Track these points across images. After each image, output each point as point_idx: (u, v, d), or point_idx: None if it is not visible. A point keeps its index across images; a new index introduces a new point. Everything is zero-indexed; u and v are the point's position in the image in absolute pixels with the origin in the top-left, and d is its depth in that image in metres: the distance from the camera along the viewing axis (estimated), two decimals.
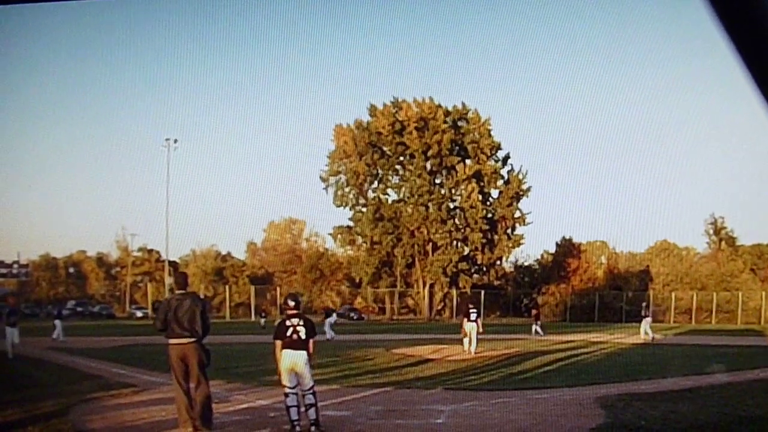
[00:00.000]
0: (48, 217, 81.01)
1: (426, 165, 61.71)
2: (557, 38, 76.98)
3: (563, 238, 67.87)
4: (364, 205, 63.98)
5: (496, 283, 64.22)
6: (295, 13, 63.00)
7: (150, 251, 71.92)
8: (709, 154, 75.92)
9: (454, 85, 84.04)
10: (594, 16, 72.45)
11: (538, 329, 33.26)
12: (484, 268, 63.99)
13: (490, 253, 62.80)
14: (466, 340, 21.28)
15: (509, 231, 63.82)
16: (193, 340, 8.84)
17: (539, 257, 70.58)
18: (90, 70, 79.13)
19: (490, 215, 62.65)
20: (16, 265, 58.56)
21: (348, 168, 63.28)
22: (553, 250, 68.94)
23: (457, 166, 61.12)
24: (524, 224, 63.92)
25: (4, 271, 58.36)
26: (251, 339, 27.42)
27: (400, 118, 61.78)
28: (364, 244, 64.17)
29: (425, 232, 61.35)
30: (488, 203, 63.39)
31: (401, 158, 62.85)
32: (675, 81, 70.91)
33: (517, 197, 62.97)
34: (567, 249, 67.09)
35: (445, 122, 61.65)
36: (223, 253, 72.87)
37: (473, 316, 21.68)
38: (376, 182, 64.33)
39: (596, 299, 60.21)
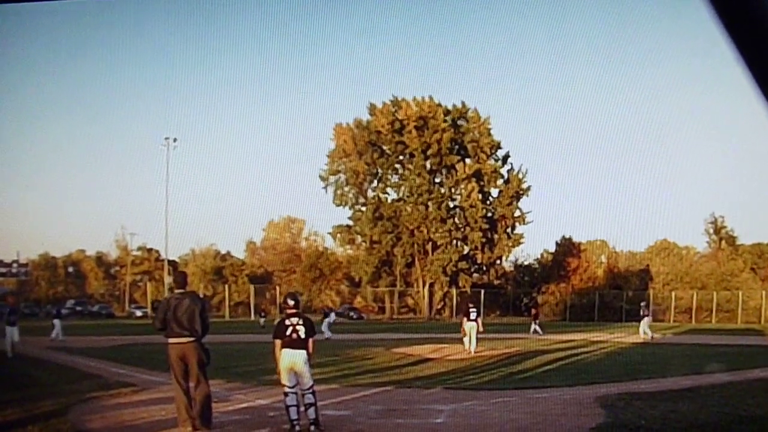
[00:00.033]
0: (47, 216, 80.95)
1: (426, 164, 61.68)
2: (557, 37, 76.89)
3: (563, 237, 67.87)
4: (364, 204, 63.96)
5: (496, 282, 64.19)
6: (295, 12, 62.97)
7: (149, 250, 71.87)
8: (709, 153, 75.80)
9: (454, 84, 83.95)
10: (594, 15, 72.42)
11: (537, 328, 33.24)
12: (484, 268, 63.96)
13: (489, 253, 62.78)
14: (466, 339, 21.26)
15: (509, 230, 63.80)
16: (192, 339, 8.82)
17: (539, 256, 70.57)
18: (89, 69, 79.04)
19: (489, 214, 62.62)
20: (15, 264, 58.46)
21: (347, 167, 63.25)
22: (553, 249, 68.92)
23: (456, 165, 61.09)
24: (524, 223, 63.93)
25: (3, 270, 58.28)
26: (251, 338, 27.38)
27: (400, 117, 61.74)
28: (364, 244, 64.13)
29: (425, 231, 61.32)
30: (488, 202, 63.37)
31: (401, 157, 62.82)
32: (675, 80, 70.87)
33: (517, 196, 62.93)
34: (567, 248, 67.06)
35: (444, 121, 61.59)
36: (223, 252, 72.85)
37: (473, 316, 21.66)
38: (375, 181, 64.32)
39: (596, 298, 60.19)
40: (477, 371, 16.64)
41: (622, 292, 59.38)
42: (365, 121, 63.36)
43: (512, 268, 69.32)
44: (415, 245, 62.13)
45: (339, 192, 63.96)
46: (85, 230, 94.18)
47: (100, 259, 74.22)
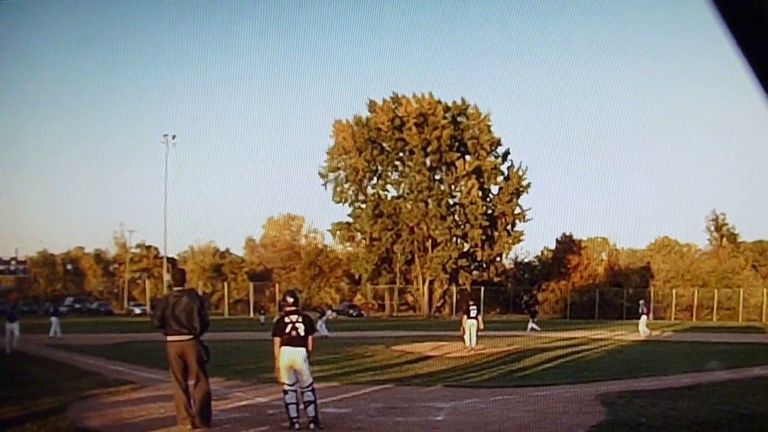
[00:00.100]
0: (46, 213, 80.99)
1: (425, 161, 61.66)
2: (558, 34, 76.95)
3: (563, 234, 67.88)
4: (364, 202, 63.94)
5: (496, 279, 64.22)
6: (294, 9, 62.99)
7: (148, 248, 71.86)
8: (711, 150, 75.88)
9: (454, 81, 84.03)
10: (594, 12, 72.41)
11: (534, 326, 33.26)
12: (484, 265, 63.97)
13: (489, 250, 62.81)
14: (466, 337, 21.23)
15: (509, 227, 63.83)
16: (190, 337, 8.78)
17: (539, 254, 70.62)
18: (87, 67, 79.14)
19: (490, 211, 62.63)
20: (13, 262, 58.42)
21: (347, 164, 63.22)
22: (553, 246, 68.95)
23: (456, 162, 61.07)
24: (524, 220, 63.99)
25: (1, 267, 58.23)
26: (250, 336, 27.36)
27: (400, 114, 61.71)
28: (364, 241, 64.15)
29: (425, 228, 61.31)
30: (488, 199, 63.36)
31: (401, 154, 62.83)
32: (676, 77, 70.96)
33: (517, 193, 62.95)
34: (567, 245, 67.05)
35: (444, 118, 61.56)
36: (222, 249, 72.87)
37: (473, 313, 21.63)
38: (375, 178, 64.31)
39: (596, 296, 60.21)
40: (477, 369, 16.62)
41: (623, 289, 59.39)
42: (365, 118, 63.36)
43: (512, 266, 69.35)
44: (415, 242, 62.14)
45: (339, 189, 63.96)
46: (84, 227, 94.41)
47: (98, 257, 74.22)
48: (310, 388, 8.84)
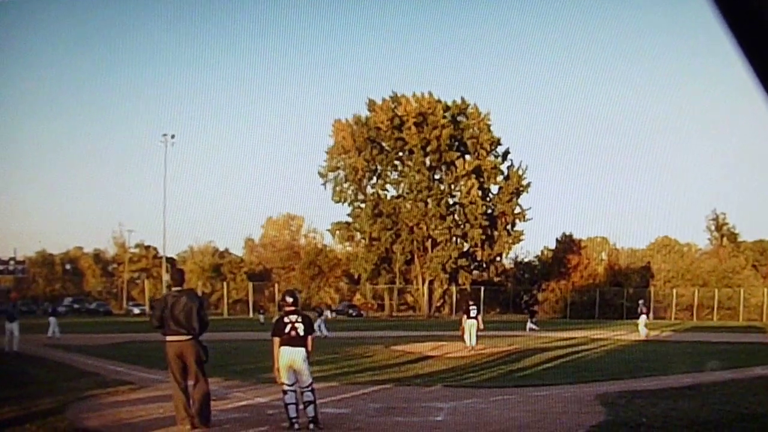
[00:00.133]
0: (44, 213, 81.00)
1: (425, 160, 61.63)
2: (558, 33, 77.00)
3: (563, 234, 67.90)
4: (363, 201, 63.90)
5: (495, 279, 64.22)
6: (293, 9, 62.93)
7: (147, 248, 71.79)
8: (711, 149, 76.03)
9: (454, 80, 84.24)
10: (595, 11, 72.42)
11: (533, 326, 33.24)
12: (484, 265, 63.95)
13: (489, 250, 62.78)
14: (466, 336, 21.19)
15: (509, 227, 63.80)
16: (189, 337, 8.75)
17: (539, 253, 70.66)
18: (86, 66, 79.16)
19: (489, 211, 62.60)
20: (12, 262, 58.30)
21: (346, 163, 63.19)
22: (553, 246, 68.97)
23: (456, 162, 61.04)
24: (524, 220, 63.97)
25: (0, 267, 58.13)
26: (249, 336, 27.35)
27: (399, 113, 61.66)
28: (363, 240, 64.11)
29: (424, 228, 61.28)
30: (488, 199, 63.33)
31: (400, 154, 62.79)
32: (676, 76, 70.98)
33: (517, 193, 62.92)
34: (567, 245, 67.07)
35: (444, 117, 61.53)
36: (221, 249, 72.80)
37: (473, 313, 21.59)
38: (374, 178, 64.27)
39: (597, 296, 60.21)
40: (477, 369, 16.59)
41: (623, 289, 59.37)
42: (364, 117, 63.33)
43: (512, 266, 69.36)
44: (415, 242, 62.10)
45: (338, 189, 63.93)
46: (83, 227, 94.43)
47: (97, 257, 74.14)
48: (309, 388, 8.81)
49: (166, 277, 53.87)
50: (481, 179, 62.07)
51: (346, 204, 64.42)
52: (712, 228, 68.12)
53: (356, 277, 66.00)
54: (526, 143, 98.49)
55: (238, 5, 75.06)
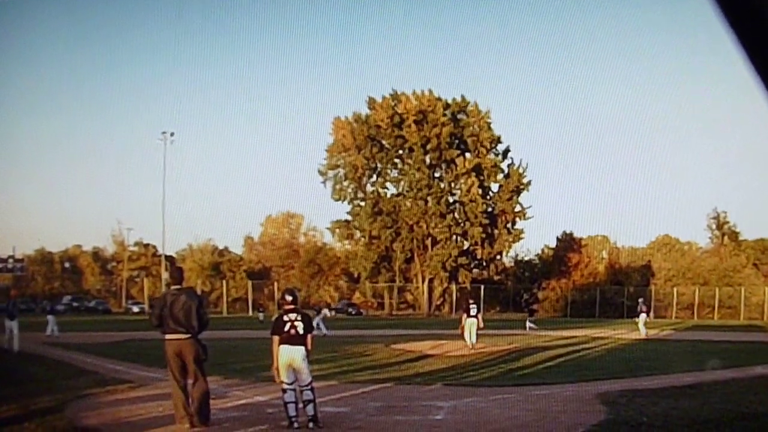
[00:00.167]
0: (43, 210, 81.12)
1: (425, 158, 61.58)
2: (558, 31, 76.94)
3: (564, 232, 67.92)
4: (363, 199, 63.87)
5: (496, 278, 64.21)
6: (293, 5, 62.88)
7: (146, 246, 71.81)
8: (712, 147, 76.13)
9: (454, 78, 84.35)
10: (595, 9, 72.36)
11: (532, 325, 33.23)
12: (484, 263, 63.93)
13: (490, 248, 62.75)
14: (467, 335, 21.15)
15: (509, 225, 63.76)
16: (188, 336, 8.73)
17: (540, 252, 70.71)
18: (86, 64, 79.20)
19: (490, 209, 62.57)
20: (11, 260, 58.21)
21: (346, 161, 63.15)
22: (553, 244, 68.98)
23: (456, 160, 61.00)
24: (524, 218, 63.94)
25: None
26: (249, 334, 27.32)
27: (399, 111, 61.61)
28: (363, 239, 64.08)
29: (424, 226, 61.24)
30: (488, 197, 63.30)
31: (400, 152, 62.73)
32: (677, 75, 71.03)
33: (518, 191, 62.87)
34: (568, 243, 67.06)
35: (444, 115, 61.49)
36: (220, 247, 72.81)
37: (473, 312, 21.53)
38: (374, 176, 64.24)
39: (597, 294, 60.20)
40: (477, 368, 16.56)
41: (624, 288, 59.38)
42: (364, 115, 63.31)
43: (512, 264, 69.37)
44: (415, 240, 62.06)
45: (338, 187, 63.89)
46: (82, 225, 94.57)
47: (96, 255, 74.13)
48: (309, 387, 8.78)
49: (165, 275, 53.85)
50: (482, 177, 62.04)
51: (345, 202, 64.48)
52: (713, 226, 68.19)
53: (356, 275, 65.99)
54: (527, 141, 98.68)
55: (237, 3, 75.08)
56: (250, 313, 56.34)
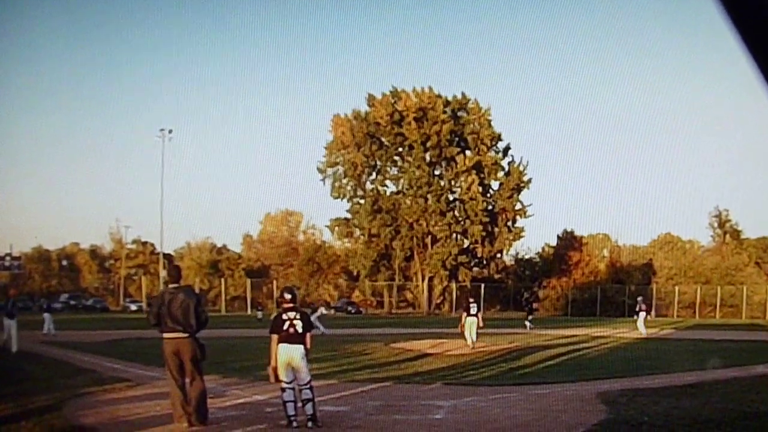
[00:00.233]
0: (41, 208, 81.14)
1: (425, 156, 61.51)
2: (559, 28, 76.90)
3: (565, 230, 67.90)
4: (362, 197, 63.80)
5: (496, 276, 64.18)
6: (292, 2, 62.80)
7: (144, 243, 71.73)
8: (714, 146, 76.14)
9: (454, 75, 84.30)
10: (597, 6, 72.25)
11: (530, 323, 33.21)
12: (484, 261, 63.90)
13: (490, 246, 62.70)
14: (467, 334, 21.10)
15: (510, 223, 63.70)
16: (186, 334, 8.68)
17: (540, 250, 70.68)
18: (84, 61, 79.10)
19: (490, 207, 62.51)
20: (8, 258, 58.09)
21: (346, 159, 63.07)
22: (554, 242, 68.94)
23: (456, 157, 60.93)
24: (525, 216, 63.90)
25: None
26: (247, 333, 27.29)
27: (399, 108, 61.52)
28: (362, 237, 64.03)
29: (424, 224, 61.19)
30: (488, 195, 63.24)
31: (400, 149, 62.65)
32: (679, 73, 70.96)
33: (518, 189, 62.81)
34: (568, 242, 67.02)
35: (444, 112, 61.42)
36: (219, 245, 72.80)
37: (473, 311, 21.48)
38: (374, 173, 64.18)
39: (598, 293, 60.14)
40: (477, 367, 16.51)
41: (625, 286, 59.35)
42: (364, 112, 63.22)
43: (513, 262, 69.36)
44: (414, 239, 62.00)
45: (337, 184, 63.83)
46: (79, 223, 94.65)
47: (94, 253, 74.07)
48: (308, 386, 8.74)
49: (163, 273, 53.83)
50: (482, 175, 61.97)
51: (345, 200, 64.43)
52: (715, 225, 68.15)
53: (355, 273, 65.94)
54: (528, 139, 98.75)
55: (236, 0, 74.97)
56: (249, 311, 56.30)
